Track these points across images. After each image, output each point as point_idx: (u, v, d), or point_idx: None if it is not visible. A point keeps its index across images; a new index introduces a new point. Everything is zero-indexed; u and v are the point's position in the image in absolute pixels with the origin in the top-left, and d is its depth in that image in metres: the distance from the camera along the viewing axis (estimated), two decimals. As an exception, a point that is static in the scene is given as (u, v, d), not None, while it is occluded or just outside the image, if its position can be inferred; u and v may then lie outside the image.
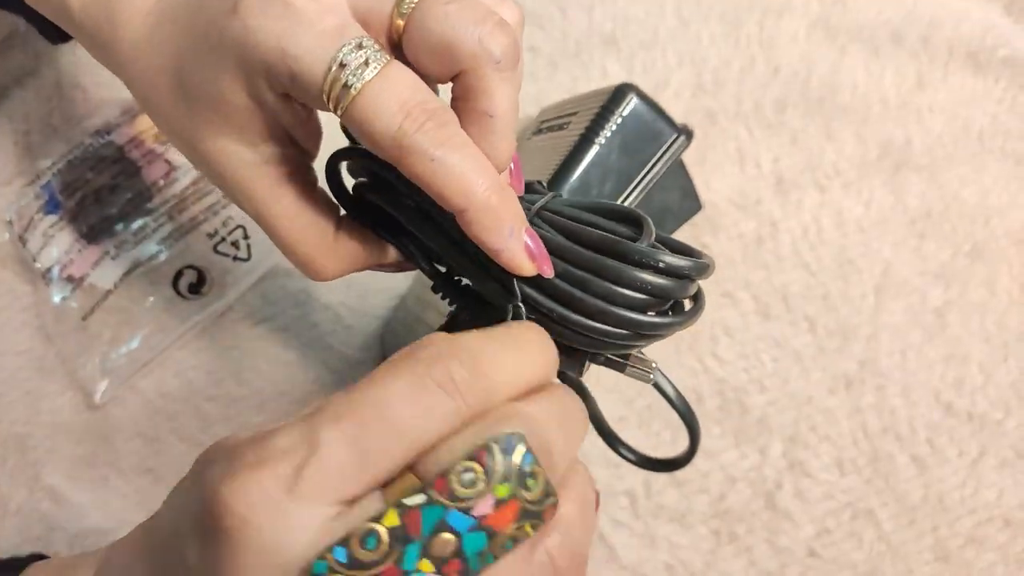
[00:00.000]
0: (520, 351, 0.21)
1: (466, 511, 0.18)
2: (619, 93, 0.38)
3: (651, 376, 0.25)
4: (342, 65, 0.24)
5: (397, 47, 0.26)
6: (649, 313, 0.23)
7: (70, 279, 0.44)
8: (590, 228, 0.25)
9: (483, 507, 0.18)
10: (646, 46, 0.50)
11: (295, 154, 0.28)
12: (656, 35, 0.50)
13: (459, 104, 0.26)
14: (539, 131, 0.42)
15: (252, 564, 0.18)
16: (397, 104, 0.24)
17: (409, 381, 0.19)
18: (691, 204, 0.44)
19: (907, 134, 0.48)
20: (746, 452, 0.44)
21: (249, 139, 0.27)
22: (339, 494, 0.19)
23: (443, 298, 0.29)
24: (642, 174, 0.37)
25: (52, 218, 0.44)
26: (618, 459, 0.44)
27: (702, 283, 0.24)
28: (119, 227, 0.44)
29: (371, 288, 0.46)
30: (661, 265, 0.23)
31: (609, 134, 0.37)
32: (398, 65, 0.24)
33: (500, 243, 0.24)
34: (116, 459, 0.44)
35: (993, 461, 0.44)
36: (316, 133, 0.29)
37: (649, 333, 0.23)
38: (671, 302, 0.24)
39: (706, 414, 0.44)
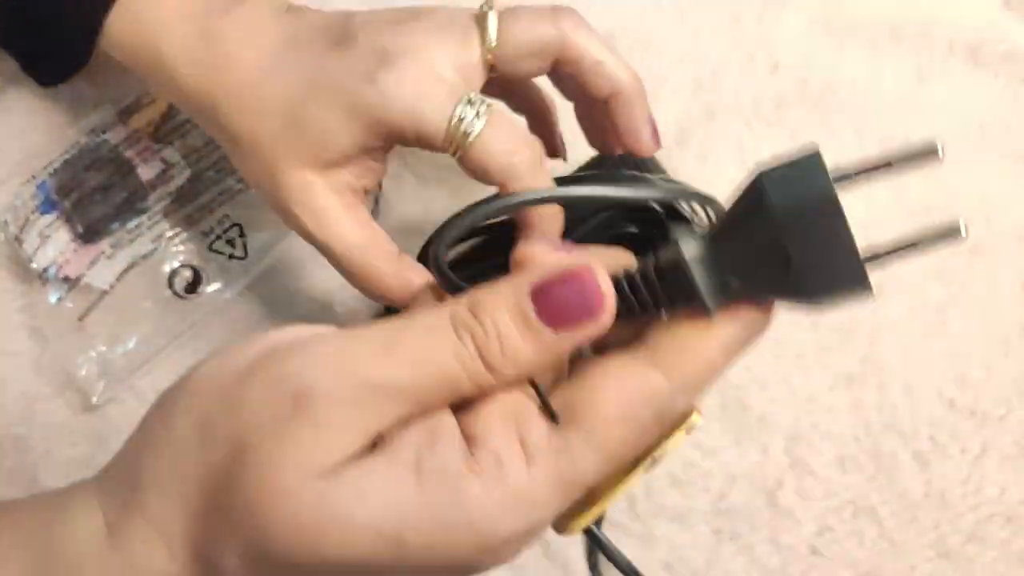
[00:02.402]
0: None
1: None
2: None
3: None
4: (460, 119, 0.31)
5: (493, 70, 0.33)
6: None
7: (66, 279, 0.44)
8: None
9: None
10: (644, 43, 0.49)
11: (360, 185, 0.35)
12: (654, 32, 0.50)
13: (571, 75, 0.34)
14: None
15: None
16: (502, 145, 0.32)
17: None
18: None
19: (907, 130, 0.48)
20: (747, 450, 0.44)
21: (329, 171, 0.33)
22: None
23: None
24: None
25: (48, 218, 0.44)
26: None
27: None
28: (115, 226, 0.44)
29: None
30: None
31: None
32: (498, 111, 0.32)
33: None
34: (113, 460, 0.43)
35: (995, 457, 0.43)
36: (383, 170, 0.36)
37: None
38: None
39: (707, 412, 0.44)
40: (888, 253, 0.23)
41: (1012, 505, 0.43)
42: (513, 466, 0.22)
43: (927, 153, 0.22)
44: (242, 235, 0.45)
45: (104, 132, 0.45)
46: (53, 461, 0.43)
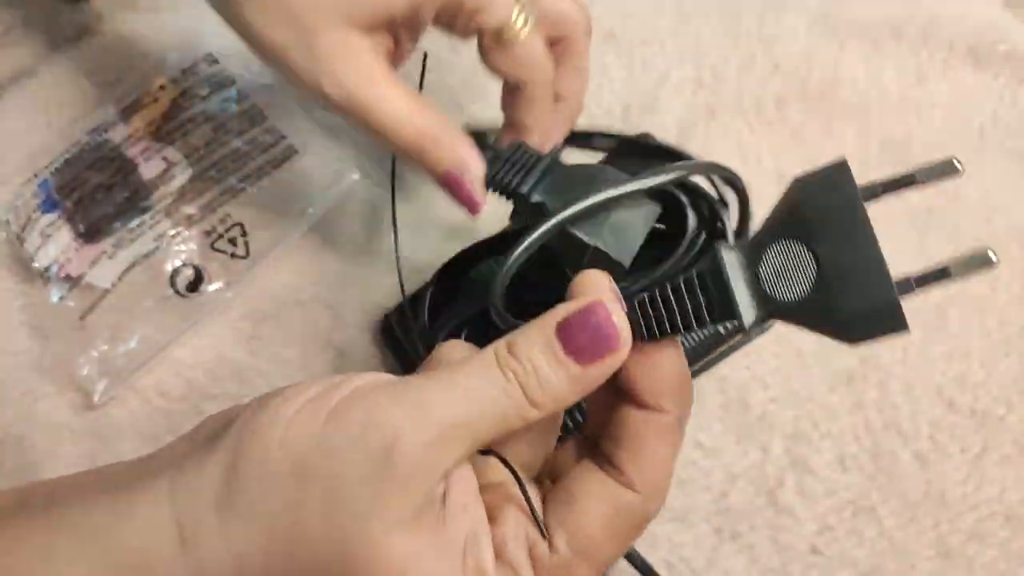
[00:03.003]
0: None
1: None
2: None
3: None
4: (523, 8, 0.33)
5: None
6: None
7: (68, 278, 0.44)
8: None
9: None
10: (646, 42, 0.49)
11: (393, 52, 0.34)
12: (656, 31, 0.50)
13: (559, 65, 0.36)
14: None
15: None
16: (541, 48, 0.34)
17: None
18: None
19: (907, 130, 0.48)
20: (747, 449, 0.44)
21: (372, 32, 0.32)
22: None
23: None
24: None
25: (50, 217, 0.44)
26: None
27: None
28: (116, 225, 0.44)
29: (372, 285, 0.45)
30: None
31: None
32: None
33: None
34: (115, 459, 0.43)
35: (995, 457, 0.44)
36: (415, 43, 0.35)
37: None
38: None
39: (708, 412, 0.44)
40: (921, 279, 0.23)
41: (1012, 504, 0.43)
42: None
43: (948, 171, 0.23)
44: (244, 234, 0.45)
45: (106, 131, 0.45)
46: (55, 461, 0.43)
